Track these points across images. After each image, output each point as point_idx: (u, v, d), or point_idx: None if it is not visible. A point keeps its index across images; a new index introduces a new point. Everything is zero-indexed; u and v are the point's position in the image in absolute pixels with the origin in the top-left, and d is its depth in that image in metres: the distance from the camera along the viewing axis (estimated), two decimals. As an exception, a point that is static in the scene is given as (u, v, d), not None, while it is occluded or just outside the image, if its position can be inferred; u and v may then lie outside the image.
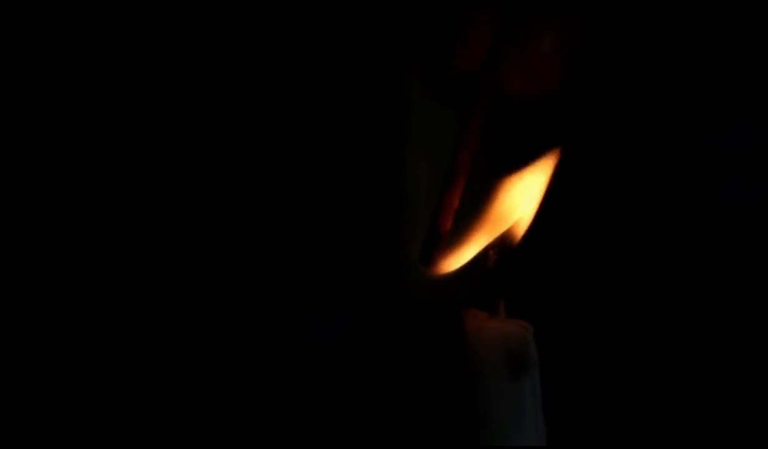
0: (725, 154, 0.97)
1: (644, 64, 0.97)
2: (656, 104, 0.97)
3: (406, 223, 1.03)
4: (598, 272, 0.92)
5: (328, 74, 1.02)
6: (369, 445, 0.92)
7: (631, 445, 0.87)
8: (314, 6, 1.00)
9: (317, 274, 1.01)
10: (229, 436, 0.92)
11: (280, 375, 0.96)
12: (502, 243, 0.51)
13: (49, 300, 0.96)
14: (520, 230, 0.53)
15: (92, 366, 0.94)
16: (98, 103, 0.99)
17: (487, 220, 0.57)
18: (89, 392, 0.93)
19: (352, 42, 1.01)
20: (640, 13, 0.96)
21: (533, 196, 0.56)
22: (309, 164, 1.02)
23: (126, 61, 0.99)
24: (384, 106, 1.02)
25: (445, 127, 1.03)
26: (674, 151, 0.98)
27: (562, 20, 0.78)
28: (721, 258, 0.97)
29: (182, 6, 0.99)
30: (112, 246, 0.98)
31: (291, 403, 0.94)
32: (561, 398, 0.57)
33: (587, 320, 0.94)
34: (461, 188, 0.65)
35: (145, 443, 0.92)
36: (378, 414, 0.93)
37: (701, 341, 0.95)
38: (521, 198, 0.55)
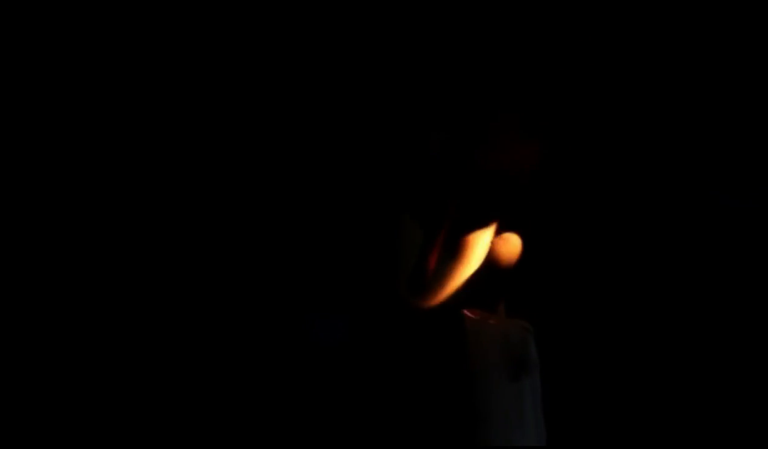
0: (726, 155, 0.97)
1: (643, 65, 0.97)
2: (656, 105, 0.97)
3: (407, 222, 1.03)
4: (597, 272, 0.92)
5: (331, 78, 1.02)
6: (369, 445, 0.92)
7: (631, 445, 0.87)
8: (316, 9, 1.00)
9: (318, 275, 1.01)
10: (229, 436, 0.93)
11: (280, 376, 0.96)
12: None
13: (49, 300, 0.96)
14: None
15: (92, 366, 0.94)
16: (98, 103, 0.99)
17: (464, 261, 0.60)
18: (89, 392, 0.93)
19: (353, 45, 1.02)
20: (640, 12, 0.96)
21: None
22: (310, 167, 1.02)
23: (126, 61, 0.99)
24: (384, 108, 1.02)
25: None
26: (674, 151, 0.98)
27: (523, 115, 0.80)
28: (720, 258, 0.97)
29: (182, 6, 0.99)
30: (112, 247, 0.98)
31: (291, 403, 0.94)
32: (561, 398, 0.57)
33: (587, 320, 0.94)
34: (442, 238, 0.67)
35: (145, 443, 0.92)
36: (378, 414, 0.93)
37: (701, 341, 0.95)
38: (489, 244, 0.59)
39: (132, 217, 0.99)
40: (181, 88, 1.00)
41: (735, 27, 0.97)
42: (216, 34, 1.00)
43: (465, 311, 0.50)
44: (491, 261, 0.63)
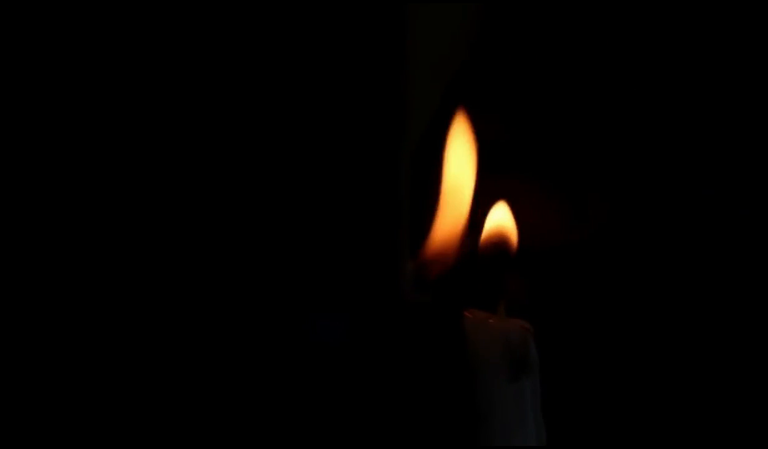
0: (721, 154, 0.97)
1: (641, 66, 0.97)
2: (656, 105, 0.97)
3: (407, 222, 1.03)
4: (597, 272, 0.92)
5: (329, 76, 1.02)
6: (369, 445, 0.92)
7: (631, 445, 0.87)
8: (316, 8, 1.00)
9: (317, 275, 1.01)
10: (229, 436, 0.92)
11: (280, 376, 0.96)
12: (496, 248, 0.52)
13: (49, 301, 0.96)
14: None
15: (92, 366, 0.94)
16: (98, 103, 0.99)
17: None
18: (89, 392, 0.93)
19: (352, 43, 1.01)
20: (639, 12, 0.96)
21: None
22: (309, 165, 1.02)
23: (126, 61, 0.99)
24: (384, 107, 1.02)
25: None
26: (674, 151, 0.98)
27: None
28: (720, 258, 0.97)
29: (182, 6, 0.99)
30: (112, 247, 0.98)
31: (291, 404, 0.94)
32: (561, 398, 0.57)
33: (587, 320, 0.94)
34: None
35: (145, 443, 0.92)
36: (378, 415, 0.93)
37: (701, 341, 0.95)
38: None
39: (131, 216, 0.99)
40: (181, 88, 1.00)
41: (734, 29, 0.97)
42: (216, 35, 1.00)
43: (465, 311, 0.50)
44: None
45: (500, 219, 0.55)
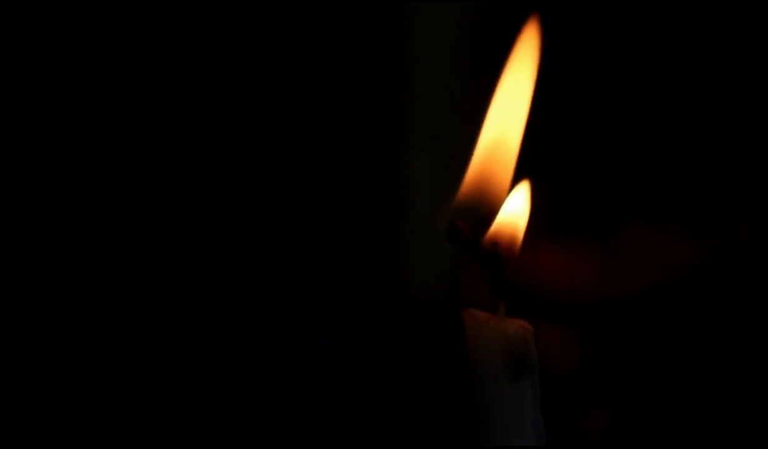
0: (721, 154, 0.97)
1: (643, 66, 0.97)
2: (656, 105, 0.97)
3: (407, 222, 1.03)
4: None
5: (327, 74, 1.02)
6: (369, 445, 0.92)
7: (631, 445, 0.87)
8: (316, 9, 1.00)
9: (317, 275, 1.01)
10: (229, 436, 0.92)
11: (280, 377, 0.96)
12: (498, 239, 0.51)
13: (49, 301, 0.96)
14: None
15: (92, 366, 0.94)
16: (98, 103, 0.99)
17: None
18: (89, 392, 0.93)
19: (352, 43, 1.01)
20: (640, 12, 0.96)
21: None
22: (309, 164, 1.02)
23: (126, 61, 0.99)
24: (384, 106, 1.02)
25: (446, 125, 1.02)
26: (673, 151, 0.98)
27: None
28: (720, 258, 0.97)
29: (183, 6, 0.99)
30: (112, 247, 0.98)
31: (292, 404, 0.94)
32: (561, 398, 0.57)
33: (587, 320, 0.93)
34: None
35: (145, 443, 0.92)
36: (378, 415, 0.93)
37: (701, 341, 0.95)
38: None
39: (131, 216, 0.99)
40: (181, 87, 1.00)
41: (734, 29, 0.97)
42: (216, 34, 1.00)
43: (465, 311, 0.50)
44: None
45: (514, 213, 0.52)
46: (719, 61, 0.93)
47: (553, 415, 0.52)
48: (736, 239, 0.55)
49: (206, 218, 1.00)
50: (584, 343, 0.56)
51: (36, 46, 0.97)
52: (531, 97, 0.52)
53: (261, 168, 1.01)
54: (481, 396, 0.49)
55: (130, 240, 0.98)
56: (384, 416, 0.93)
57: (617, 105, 0.93)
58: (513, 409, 0.49)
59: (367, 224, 1.02)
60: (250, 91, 1.01)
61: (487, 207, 0.52)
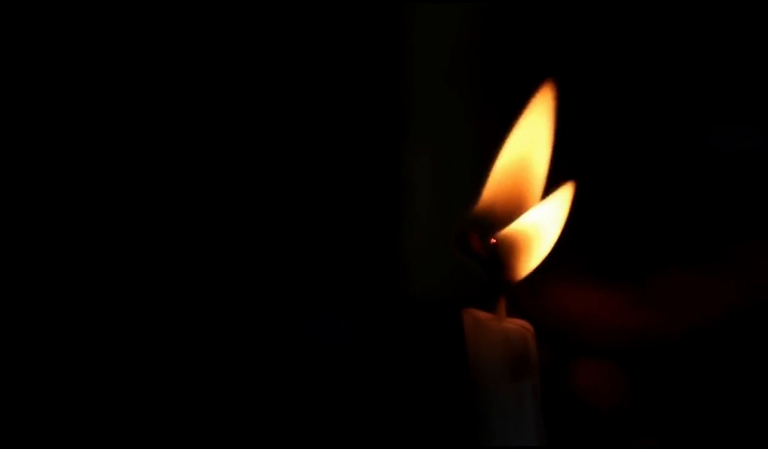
0: (725, 153, 0.97)
1: (644, 66, 0.97)
2: (657, 105, 0.97)
3: (407, 222, 1.03)
4: (596, 271, 0.91)
5: (327, 75, 1.02)
6: (369, 445, 0.92)
7: (631, 445, 0.87)
8: (316, 9, 1.00)
9: (318, 276, 1.01)
10: (229, 436, 0.92)
11: (281, 377, 0.96)
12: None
13: (49, 301, 0.96)
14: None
15: (92, 366, 0.94)
16: (99, 104, 0.99)
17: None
18: (89, 392, 0.93)
19: (352, 43, 1.01)
20: (642, 13, 0.96)
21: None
22: (308, 166, 1.02)
23: (126, 61, 0.99)
24: (384, 106, 1.02)
25: (446, 124, 1.02)
26: (674, 151, 0.98)
27: None
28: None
29: (183, 7, 0.99)
30: (113, 247, 0.98)
31: (292, 404, 0.94)
32: (561, 398, 0.57)
33: (587, 320, 0.93)
34: None
35: (145, 443, 0.92)
36: (378, 415, 0.93)
37: (701, 341, 0.95)
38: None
39: (131, 217, 0.99)
40: (181, 87, 1.00)
41: (736, 28, 0.97)
42: (216, 34, 1.00)
43: (465, 311, 0.50)
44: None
45: (537, 222, 0.51)
46: (748, 103, 0.93)
47: (553, 415, 0.52)
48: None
49: (207, 220, 1.00)
50: (627, 377, 0.55)
51: (36, 46, 0.97)
52: (556, 124, 0.52)
53: (262, 169, 1.01)
54: (481, 396, 0.49)
55: (132, 241, 0.98)
56: (384, 416, 0.93)
57: (647, 143, 0.93)
58: (513, 409, 0.49)
59: (367, 225, 1.02)
60: (250, 92, 1.01)
61: (501, 222, 0.51)
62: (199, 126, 1.00)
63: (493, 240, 0.50)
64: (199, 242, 1.00)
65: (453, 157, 1.02)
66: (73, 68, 0.98)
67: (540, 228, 0.51)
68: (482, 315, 0.49)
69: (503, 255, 0.50)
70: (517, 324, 0.49)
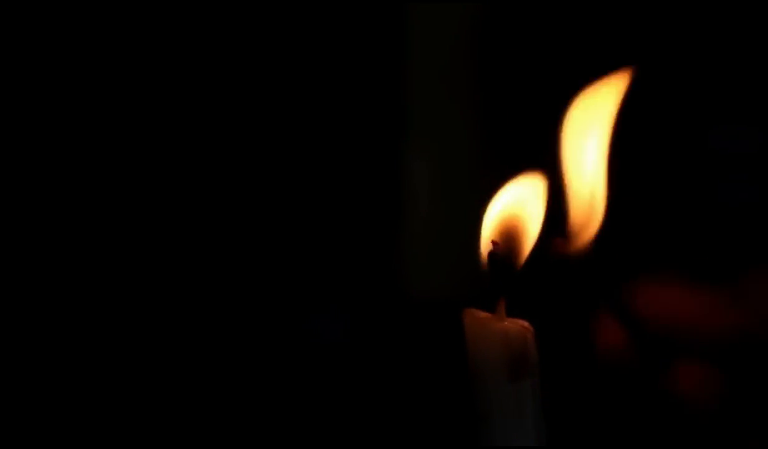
0: (725, 154, 0.97)
1: (646, 66, 0.97)
2: (658, 105, 0.97)
3: (407, 222, 1.03)
4: (596, 271, 0.91)
5: (328, 74, 1.02)
6: (369, 445, 0.92)
7: (631, 445, 0.87)
8: (316, 9, 1.00)
9: (317, 274, 1.01)
10: (229, 436, 0.92)
11: (280, 375, 0.96)
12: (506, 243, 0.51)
13: (49, 301, 0.96)
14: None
15: (92, 366, 0.94)
16: (99, 105, 0.99)
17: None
18: (89, 392, 0.93)
19: (352, 42, 1.01)
20: (645, 14, 0.96)
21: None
22: (309, 164, 1.02)
23: (129, 63, 0.99)
24: (383, 106, 1.02)
25: (446, 125, 1.03)
26: (674, 152, 0.98)
27: None
28: (720, 258, 0.97)
29: (184, 7, 0.99)
30: (113, 247, 0.98)
31: (291, 403, 0.94)
32: (561, 398, 0.57)
33: (587, 320, 0.93)
34: None
35: (145, 443, 0.92)
36: (378, 414, 0.93)
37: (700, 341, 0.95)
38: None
39: (131, 216, 0.99)
40: (181, 87, 1.00)
41: (736, 28, 0.97)
42: (216, 34, 1.00)
43: (465, 311, 0.50)
44: None
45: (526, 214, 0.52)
46: (747, 104, 0.93)
47: (553, 415, 0.52)
48: None
49: (208, 219, 1.00)
50: (726, 380, 0.55)
51: (36, 46, 0.97)
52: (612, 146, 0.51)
53: (262, 169, 1.01)
54: (481, 396, 0.49)
55: (132, 240, 0.98)
56: (384, 415, 0.93)
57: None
58: (513, 409, 0.49)
59: (368, 225, 1.02)
60: (250, 93, 1.01)
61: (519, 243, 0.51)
62: (200, 126, 1.00)
63: (494, 241, 0.50)
64: (200, 241, 1.00)
65: (453, 158, 1.02)
66: (73, 68, 0.98)
67: (520, 206, 0.51)
68: (482, 315, 0.49)
69: (497, 244, 0.50)
70: (517, 324, 0.49)
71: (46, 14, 0.97)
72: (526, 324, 0.50)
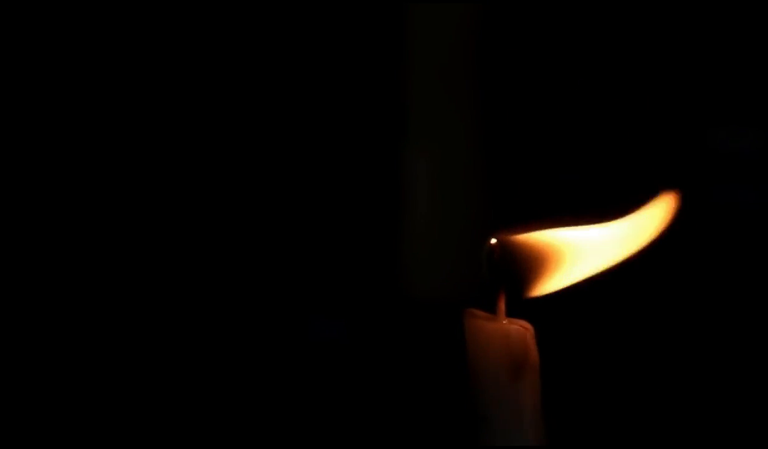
0: (725, 154, 0.97)
1: (646, 66, 0.97)
2: (658, 105, 0.97)
3: (407, 222, 1.03)
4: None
5: (328, 75, 1.02)
6: (369, 445, 0.92)
7: (631, 445, 0.87)
8: (316, 9, 1.00)
9: (317, 275, 1.01)
10: (229, 436, 0.92)
11: (280, 376, 0.96)
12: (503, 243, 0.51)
13: (49, 301, 0.96)
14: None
15: (92, 366, 0.94)
16: (99, 105, 0.99)
17: None
18: (89, 392, 0.93)
19: (352, 42, 1.02)
20: (643, 14, 0.96)
21: None
22: (309, 165, 1.02)
23: (126, 61, 0.99)
24: (384, 106, 1.02)
25: (445, 125, 1.03)
26: (675, 152, 0.98)
27: None
28: (721, 258, 0.97)
29: (184, 7, 0.99)
30: (113, 247, 0.98)
31: (291, 403, 0.94)
32: (561, 398, 0.57)
33: (587, 320, 0.94)
34: None
35: (145, 443, 0.92)
36: (378, 414, 0.93)
37: (701, 341, 0.95)
38: None
39: (132, 217, 0.99)
40: (181, 87, 1.00)
41: (736, 29, 0.97)
42: (216, 34, 1.00)
43: (465, 311, 0.50)
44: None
45: (551, 241, 0.51)
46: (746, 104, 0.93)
47: (553, 415, 0.52)
48: None
49: (207, 219, 1.00)
50: None
51: (36, 46, 0.97)
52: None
53: (262, 169, 1.01)
54: (481, 396, 0.49)
55: (131, 240, 0.98)
56: (384, 416, 0.93)
57: None
58: (513, 409, 0.49)
59: (368, 225, 1.02)
60: (250, 93, 1.01)
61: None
62: (199, 126, 1.00)
63: (493, 241, 0.50)
64: (200, 242, 1.00)
65: (452, 158, 1.02)
66: (73, 68, 0.98)
67: (572, 246, 0.51)
68: (482, 315, 0.49)
69: (507, 259, 0.50)
70: (517, 324, 0.49)
71: (46, 14, 0.97)
72: (526, 324, 0.50)
